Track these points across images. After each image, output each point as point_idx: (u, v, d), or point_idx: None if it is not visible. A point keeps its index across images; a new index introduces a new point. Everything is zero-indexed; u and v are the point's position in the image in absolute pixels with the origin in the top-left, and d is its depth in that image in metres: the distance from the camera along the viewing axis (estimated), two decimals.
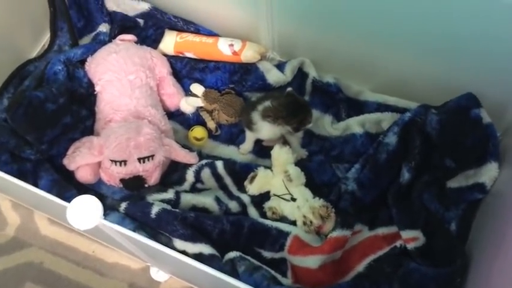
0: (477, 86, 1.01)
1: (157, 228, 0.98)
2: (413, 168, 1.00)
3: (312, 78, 1.18)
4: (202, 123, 1.17)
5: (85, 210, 0.66)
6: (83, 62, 1.19)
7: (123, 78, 1.10)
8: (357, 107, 1.17)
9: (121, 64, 1.11)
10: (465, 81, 1.01)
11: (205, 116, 1.17)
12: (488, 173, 0.98)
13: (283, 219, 1.04)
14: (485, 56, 0.95)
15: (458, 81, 1.02)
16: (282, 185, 1.03)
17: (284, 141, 1.10)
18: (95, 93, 1.13)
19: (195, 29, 1.24)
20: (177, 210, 1.00)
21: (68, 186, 1.03)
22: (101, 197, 1.07)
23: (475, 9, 0.85)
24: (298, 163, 1.07)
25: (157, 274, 1.11)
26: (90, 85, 1.14)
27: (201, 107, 1.17)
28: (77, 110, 1.09)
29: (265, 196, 1.06)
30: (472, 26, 0.90)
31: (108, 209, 1.01)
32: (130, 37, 1.23)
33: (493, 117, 1.01)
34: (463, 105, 1.01)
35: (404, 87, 1.12)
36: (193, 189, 1.09)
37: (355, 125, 1.13)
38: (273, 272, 0.95)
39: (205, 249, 0.95)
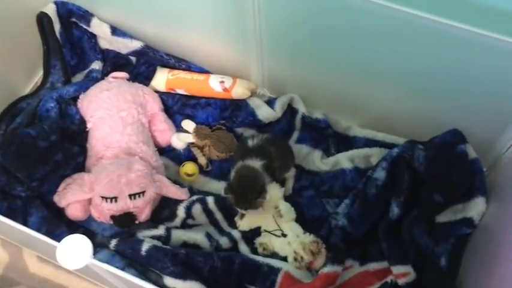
0: (463, 123, 1.03)
1: (148, 266, 0.98)
2: (402, 203, 1.01)
3: (302, 114, 1.20)
4: (193, 159, 1.18)
5: (75, 250, 0.66)
6: (75, 99, 1.20)
7: (115, 115, 1.11)
8: (346, 142, 1.19)
9: (113, 101, 1.13)
10: (451, 117, 1.04)
11: (196, 151, 1.18)
12: (476, 208, 0.99)
13: (274, 255, 1.03)
14: (470, 94, 0.97)
15: (444, 117, 1.05)
16: (273, 221, 1.04)
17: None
18: (87, 130, 1.14)
19: (187, 66, 1.27)
20: (167, 247, 1.00)
21: (58, 223, 1.03)
22: (91, 234, 1.07)
23: (463, 50, 0.88)
24: (288, 198, 1.07)
25: None
26: (82, 122, 1.15)
27: (192, 143, 1.19)
28: (69, 147, 1.09)
29: (256, 232, 1.06)
30: (458, 66, 0.92)
31: (98, 246, 1.00)
32: (123, 74, 1.25)
33: (479, 153, 1.03)
34: (449, 141, 1.03)
35: (392, 123, 1.15)
36: (184, 225, 1.09)
37: (344, 160, 1.14)
38: None
39: (196, 286, 0.94)
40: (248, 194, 0.99)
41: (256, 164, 1.03)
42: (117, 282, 0.78)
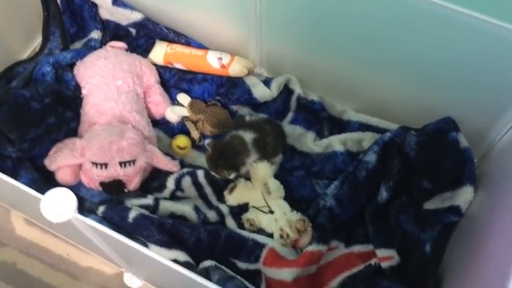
0: (457, 113, 1.03)
1: (134, 233, 0.98)
2: (391, 187, 1.01)
3: (297, 95, 1.20)
4: (187, 133, 1.18)
5: (59, 203, 0.66)
6: (71, 66, 1.19)
7: (111, 83, 1.11)
8: (340, 125, 1.19)
9: (109, 69, 1.13)
10: (446, 107, 1.04)
11: (189, 125, 1.18)
12: (464, 196, 0.99)
13: (260, 231, 1.04)
14: (466, 84, 0.97)
15: (438, 106, 1.05)
16: (261, 197, 1.04)
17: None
18: (81, 96, 1.14)
19: (186, 41, 1.27)
20: (154, 216, 1.00)
21: (47, 185, 1.03)
22: (80, 200, 1.06)
23: (460, 39, 0.88)
24: (278, 177, 1.08)
25: (131, 280, 1.10)
26: (77, 88, 1.15)
27: (186, 117, 1.19)
28: (62, 111, 1.09)
29: (244, 207, 1.06)
30: (456, 55, 0.92)
31: (86, 212, 1.01)
32: (121, 44, 1.25)
33: (471, 144, 1.03)
34: (441, 128, 1.03)
35: (386, 109, 1.15)
36: (173, 197, 1.10)
37: (336, 143, 1.14)
38: (246, 282, 0.94)
39: (180, 256, 0.95)
40: (220, 160, 1.02)
41: (248, 136, 1.04)
42: (101, 242, 0.78)
